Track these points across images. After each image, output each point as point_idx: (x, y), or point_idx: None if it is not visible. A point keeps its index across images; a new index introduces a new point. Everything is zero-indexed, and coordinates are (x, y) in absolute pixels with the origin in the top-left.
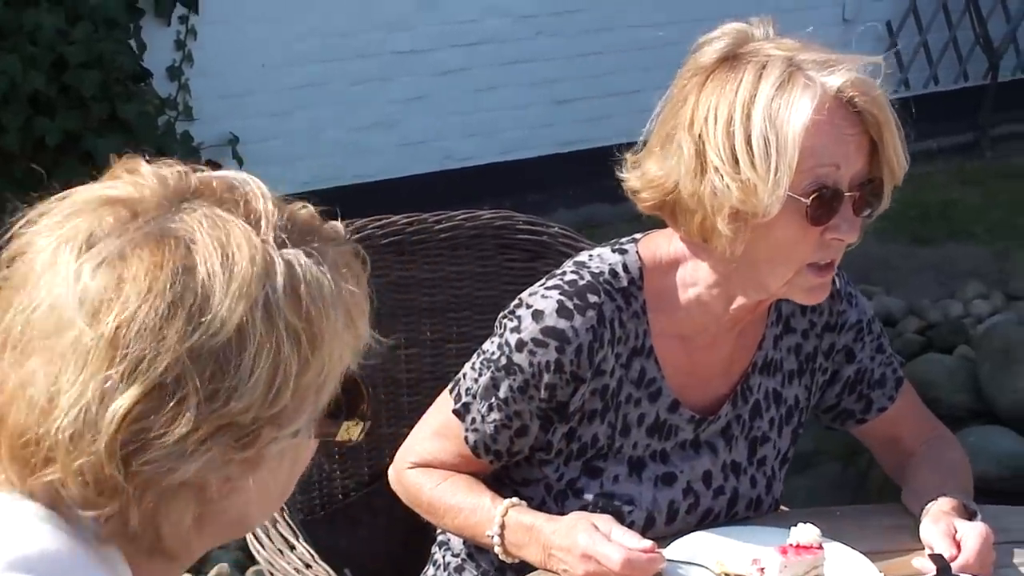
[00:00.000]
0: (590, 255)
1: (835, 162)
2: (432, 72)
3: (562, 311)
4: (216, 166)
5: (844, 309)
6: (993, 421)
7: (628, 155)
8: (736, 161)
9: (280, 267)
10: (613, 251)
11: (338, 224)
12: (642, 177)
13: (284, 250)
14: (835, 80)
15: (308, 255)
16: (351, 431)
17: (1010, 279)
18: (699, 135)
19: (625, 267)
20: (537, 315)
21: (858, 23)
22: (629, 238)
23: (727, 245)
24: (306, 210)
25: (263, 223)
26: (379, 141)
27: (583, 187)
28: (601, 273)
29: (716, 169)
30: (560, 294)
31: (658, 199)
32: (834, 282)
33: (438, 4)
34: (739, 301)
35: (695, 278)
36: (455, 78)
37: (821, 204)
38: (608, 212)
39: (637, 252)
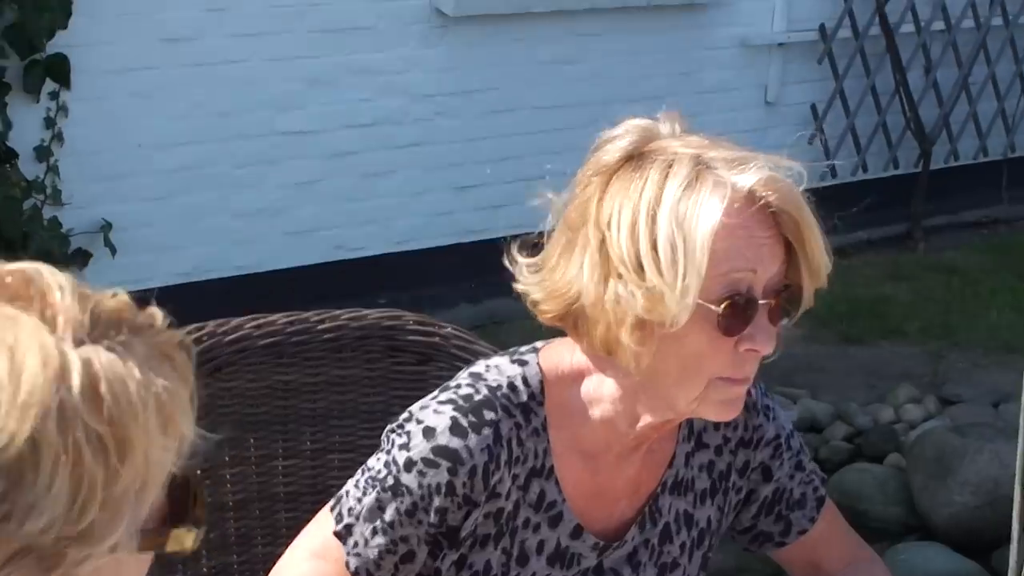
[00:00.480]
0: (487, 366)
1: (749, 267)
2: (322, 155)
3: (455, 429)
4: (86, 255)
5: (760, 423)
6: (927, 536)
7: (521, 260)
8: (641, 267)
9: (76, 367)
10: (512, 362)
11: (156, 311)
12: (542, 286)
13: (82, 348)
14: (747, 179)
15: (110, 350)
16: (183, 540)
17: (944, 382)
18: (602, 240)
19: (525, 380)
20: (428, 432)
21: (781, 106)
22: (530, 347)
23: (632, 358)
24: (115, 300)
25: (60, 319)
26: (265, 229)
27: (486, 279)
28: (499, 387)
29: (620, 276)
30: (454, 409)
31: (561, 310)
32: (749, 393)
33: (329, 82)
34: (646, 419)
35: (599, 393)
36: (347, 161)
37: (734, 312)
38: (512, 307)
39: (538, 364)
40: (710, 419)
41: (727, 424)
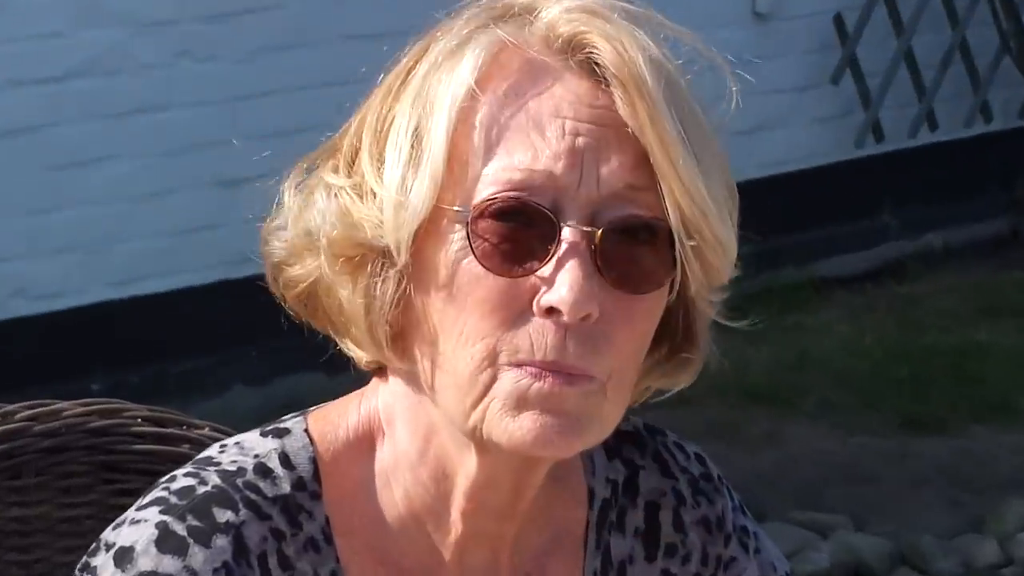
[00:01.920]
0: (222, 446)
1: (543, 166)
2: None
3: (166, 541)
4: None
5: (733, 556)
6: None
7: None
8: (354, 161)
9: None
10: (263, 435)
11: None
12: (287, 244)
13: None
14: (549, 12)
15: None
16: None
17: None
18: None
19: (285, 459)
20: (123, 556)
21: (781, 19)
22: (295, 413)
23: (361, 330)
24: None
25: None
26: None
27: (278, 341)
28: (240, 471)
29: (329, 187)
30: (163, 512)
31: (303, 275)
32: (712, 502)
33: None
34: (458, 471)
35: (395, 457)
36: (24, 144)
37: (502, 225)
38: (324, 387)
39: (306, 431)
40: (504, 444)
41: (670, 552)
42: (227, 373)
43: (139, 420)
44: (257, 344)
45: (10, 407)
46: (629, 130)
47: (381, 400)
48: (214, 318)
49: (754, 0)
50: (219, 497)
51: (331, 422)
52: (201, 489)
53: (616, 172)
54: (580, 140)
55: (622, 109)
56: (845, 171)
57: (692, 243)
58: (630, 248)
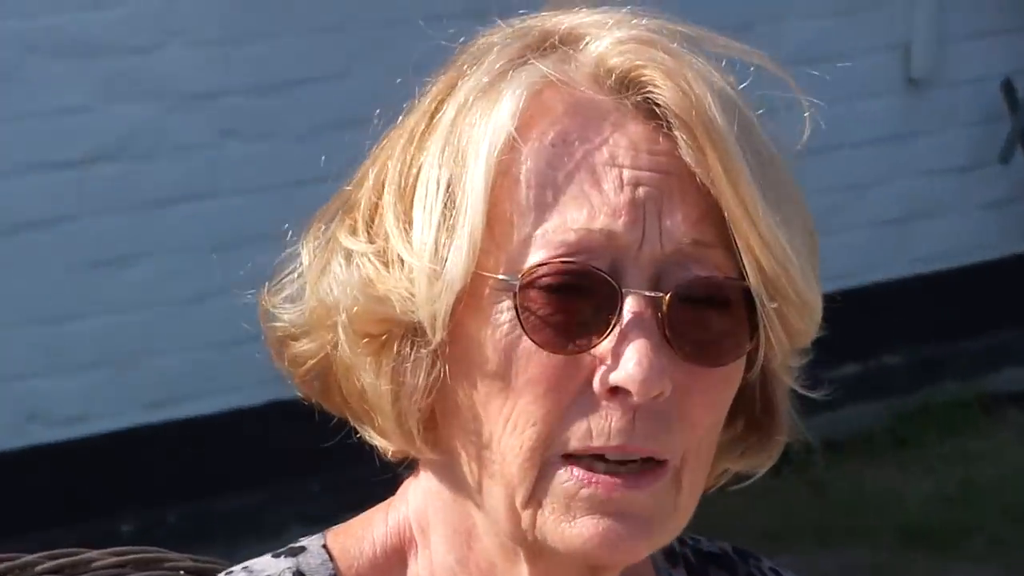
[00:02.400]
0: (228, 573)
1: (599, 225)
2: None
3: None
4: None
5: None
6: None
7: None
8: (375, 222)
9: None
10: (275, 556)
11: None
12: (300, 318)
13: None
14: (595, 47)
15: None
16: None
17: None
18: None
19: None
20: None
21: (938, 86)
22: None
23: (390, 416)
24: None
25: None
26: None
27: (344, 471)
28: None
29: (348, 254)
30: None
31: (316, 351)
32: None
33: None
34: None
35: (431, 569)
36: (45, 239)
37: (554, 292)
38: None
39: (324, 547)
40: (561, 549)
41: None
42: (283, 511)
43: (182, 572)
44: (318, 476)
45: (29, 557)
46: (697, 178)
47: (412, 505)
48: (267, 445)
49: (908, 64)
50: None
51: (353, 536)
52: None
53: (680, 226)
54: (640, 191)
55: (688, 155)
56: (1016, 267)
57: (774, 305)
58: (701, 314)
